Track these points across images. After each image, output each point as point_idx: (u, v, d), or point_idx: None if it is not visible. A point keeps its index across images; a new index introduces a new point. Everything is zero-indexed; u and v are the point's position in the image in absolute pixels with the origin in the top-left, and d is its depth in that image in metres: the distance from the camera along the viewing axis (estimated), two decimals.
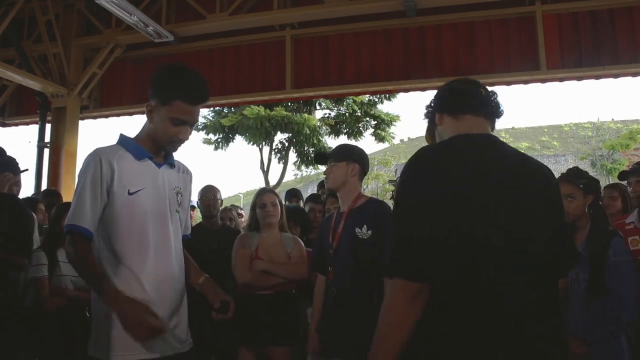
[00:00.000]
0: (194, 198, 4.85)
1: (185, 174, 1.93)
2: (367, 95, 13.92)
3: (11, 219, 2.57)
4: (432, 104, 1.51)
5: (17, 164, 2.93)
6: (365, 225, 2.29)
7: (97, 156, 1.67)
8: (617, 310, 2.19)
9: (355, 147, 2.60)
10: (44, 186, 6.24)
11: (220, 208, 3.96)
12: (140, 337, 1.52)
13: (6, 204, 2.65)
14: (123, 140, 1.79)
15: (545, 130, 58.30)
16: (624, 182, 3.31)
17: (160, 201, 1.75)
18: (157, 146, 1.77)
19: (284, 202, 3.55)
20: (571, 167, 2.51)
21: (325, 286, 2.49)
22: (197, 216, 5.67)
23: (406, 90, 6.21)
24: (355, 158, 2.49)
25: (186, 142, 1.79)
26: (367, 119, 15.16)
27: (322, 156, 2.57)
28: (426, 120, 1.56)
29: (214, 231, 3.64)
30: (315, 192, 4.62)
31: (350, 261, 2.32)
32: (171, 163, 1.84)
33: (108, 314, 1.61)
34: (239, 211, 5.10)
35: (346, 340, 2.28)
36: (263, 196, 3.06)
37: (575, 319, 2.27)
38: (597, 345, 2.18)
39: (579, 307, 2.27)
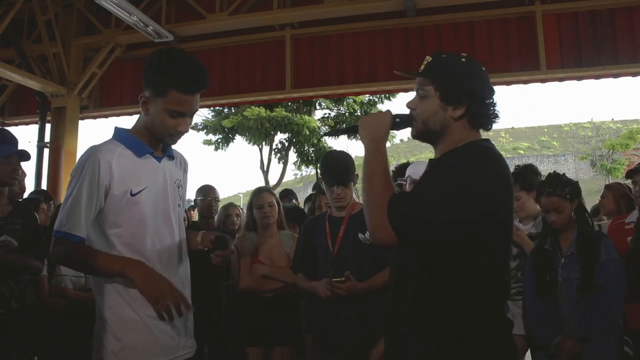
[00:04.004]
0: (192, 196, 4.82)
1: (184, 164, 1.85)
2: (367, 95, 13.91)
3: (25, 223, 2.54)
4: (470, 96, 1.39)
5: None
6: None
7: (95, 157, 1.55)
8: (609, 306, 2.25)
9: (352, 166, 2.54)
10: (44, 186, 6.24)
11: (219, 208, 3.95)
12: (162, 314, 1.52)
13: (22, 208, 2.61)
14: (120, 135, 1.66)
15: (545, 130, 58.23)
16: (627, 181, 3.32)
17: (164, 198, 1.67)
18: (155, 139, 1.66)
19: None
20: (550, 172, 2.54)
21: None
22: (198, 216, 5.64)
23: (406, 90, 6.22)
24: (355, 179, 2.53)
25: (186, 134, 1.67)
26: None
27: (338, 179, 2.46)
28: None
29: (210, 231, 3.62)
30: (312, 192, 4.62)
31: (353, 265, 2.35)
32: (170, 155, 1.75)
33: (113, 318, 1.56)
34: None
35: (350, 341, 2.29)
36: (260, 196, 3.03)
37: (568, 319, 2.31)
38: (588, 343, 2.23)
39: (571, 306, 2.31)
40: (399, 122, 1.47)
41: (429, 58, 1.46)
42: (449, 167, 1.32)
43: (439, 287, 1.33)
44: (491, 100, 1.43)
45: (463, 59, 1.43)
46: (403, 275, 1.44)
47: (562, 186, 2.40)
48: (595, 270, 2.26)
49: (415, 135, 1.50)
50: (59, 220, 1.55)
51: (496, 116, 1.44)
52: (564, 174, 2.51)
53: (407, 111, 1.49)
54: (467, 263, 1.31)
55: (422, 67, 1.46)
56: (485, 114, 1.43)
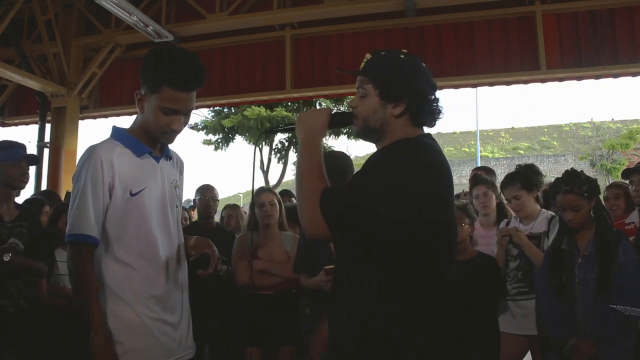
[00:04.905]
0: (192, 196, 4.81)
1: (180, 164, 1.83)
2: None
3: (30, 226, 2.55)
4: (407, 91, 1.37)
5: None
6: None
7: (96, 156, 1.53)
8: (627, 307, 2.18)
9: (351, 166, 2.52)
10: (43, 186, 6.24)
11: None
12: None
13: (27, 212, 2.62)
14: (119, 134, 1.64)
15: (545, 130, 58.15)
16: (627, 181, 3.30)
17: (162, 199, 1.65)
18: (152, 138, 1.64)
19: None
20: (568, 169, 2.46)
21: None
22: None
23: None
24: None
25: (180, 133, 1.64)
26: None
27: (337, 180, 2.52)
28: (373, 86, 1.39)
29: (209, 231, 3.62)
30: None
31: None
32: (168, 155, 1.74)
33: (113, 320, 1.55)
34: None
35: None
36: (261, 196, 3.05)
37: (584, 319, 2.26)
38: (605, 344, 2.18)
39: (588, 307, 2.25)
40: (339, 119, 1.46)
41: (368, 56, 1.46)
42: (396, 161, 1.29)
43: (397, 282, 1.29)
44: (433, 97, 1.42)
45: (402, 56, 1.44)
46: (351, 263, 1.37)
47: (579, 184, 2.31)
48: (614, 270, 2.20)
49: (357, 134, 1.47)
50: (69, 224, 1.53)
51: (439, 112, 1.42)
52: (582, 171, 2.42)
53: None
54: (427, 260, 1.30)
55: (362, 65, 1.44)
56: (428, 111, 1.41)
